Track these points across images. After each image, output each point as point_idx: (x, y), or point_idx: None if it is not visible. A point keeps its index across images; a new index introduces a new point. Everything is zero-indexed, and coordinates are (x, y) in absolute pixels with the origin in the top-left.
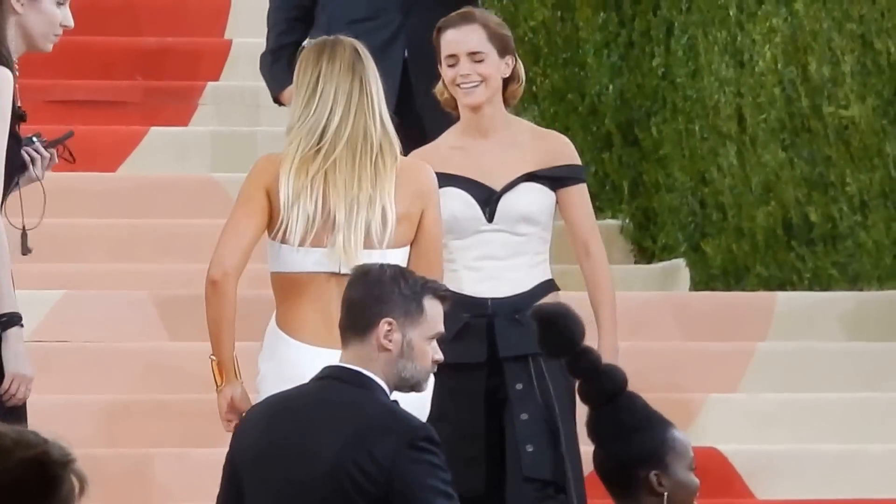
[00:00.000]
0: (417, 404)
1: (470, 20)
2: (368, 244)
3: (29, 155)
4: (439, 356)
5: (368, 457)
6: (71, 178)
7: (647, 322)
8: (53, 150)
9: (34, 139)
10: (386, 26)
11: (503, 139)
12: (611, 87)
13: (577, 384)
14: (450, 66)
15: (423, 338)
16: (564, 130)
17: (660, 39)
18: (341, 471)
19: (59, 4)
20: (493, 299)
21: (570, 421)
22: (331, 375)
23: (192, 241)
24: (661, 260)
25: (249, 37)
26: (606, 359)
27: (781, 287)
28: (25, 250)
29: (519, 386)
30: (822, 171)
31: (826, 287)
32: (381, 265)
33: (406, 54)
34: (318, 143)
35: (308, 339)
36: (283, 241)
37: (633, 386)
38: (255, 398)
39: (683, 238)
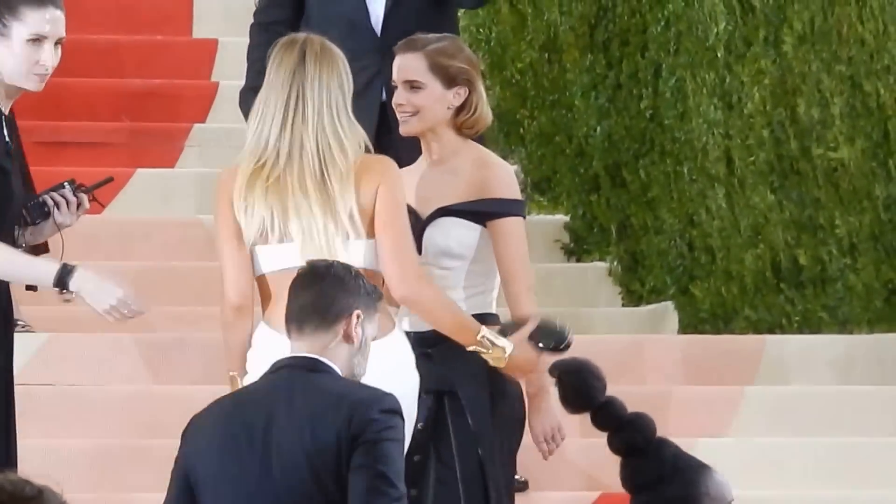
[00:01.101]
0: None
1: (412, 48)
2: (333, 236)
3: (53, 200)
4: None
5: (349, 422)
6: None
7: (634, 365)
8: (84, 196)
9: (65, 185)
10: (365, 69)
11: (446, 168)
12: (598, 129)
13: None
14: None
15: (372, 338)
16: (552, 173)
17: (648, 81)
18: (321, 444)
19: (34, 42)
20: (413, 333)
21: (499, 459)
22: (291, 365)
23: (177, 284)
24: (649, 303)
25: (236, 79)
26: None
27: (770, 330)
28: (30, 286)
29: (419, 425)
30: (812, 213)
31: (816, 330)
32: (332, 263)
33: (384, 96)
34: (260, 158)
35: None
36: (252, 242)
37: None
38: None
39: (671, 281)
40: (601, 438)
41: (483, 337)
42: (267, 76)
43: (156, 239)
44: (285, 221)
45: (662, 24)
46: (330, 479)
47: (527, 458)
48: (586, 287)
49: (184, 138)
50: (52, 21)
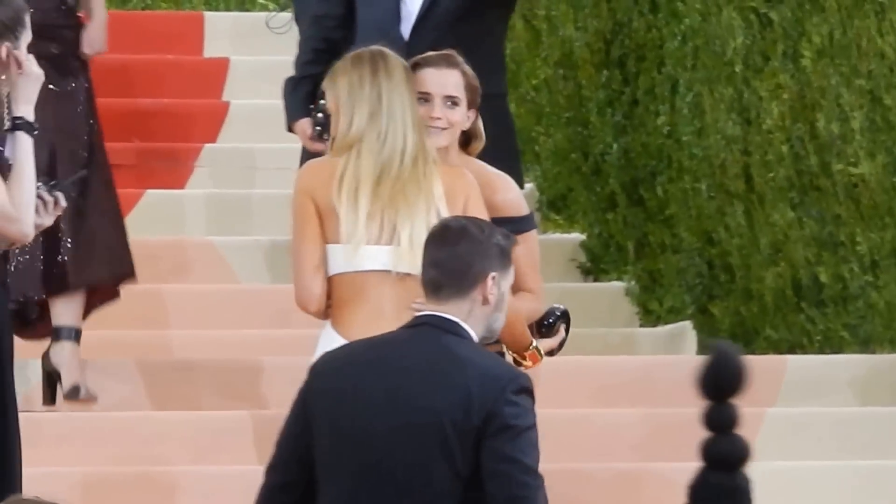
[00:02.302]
0: None
1: (453, 65)
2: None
3: None
4: None
5: (470, 401)
6: None
7: (653, 387)
8: (60, 194)
9: (39, 185)
10: None
11: None
12: (615, 146)
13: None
14: (421, 101)
15: (508, 287)
16: (568, 191)
17: (664, 97)
18: (443, 417)
19: None
20: None
21: None
22: (432, 324)
23: (187, 306)
24: (667, 323)
25: (248, 98)
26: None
27: (791, 350)
28: None
29: None
30: (832, 230)
31: (837, 349)
32: (464, 223)
33: None
34: (380, 155)
35: (357, 336)
36: (338, 241)
37: (637, 453)
38: None
39: (690, 300)
40: None
41: (534, 348)
42: (371, 82)
43: (165, 261)
44: (389, 223)
45: (679, 39)
46: (455, 446)
47: None
48: (603, 307)
49: (194, 159)
50: None
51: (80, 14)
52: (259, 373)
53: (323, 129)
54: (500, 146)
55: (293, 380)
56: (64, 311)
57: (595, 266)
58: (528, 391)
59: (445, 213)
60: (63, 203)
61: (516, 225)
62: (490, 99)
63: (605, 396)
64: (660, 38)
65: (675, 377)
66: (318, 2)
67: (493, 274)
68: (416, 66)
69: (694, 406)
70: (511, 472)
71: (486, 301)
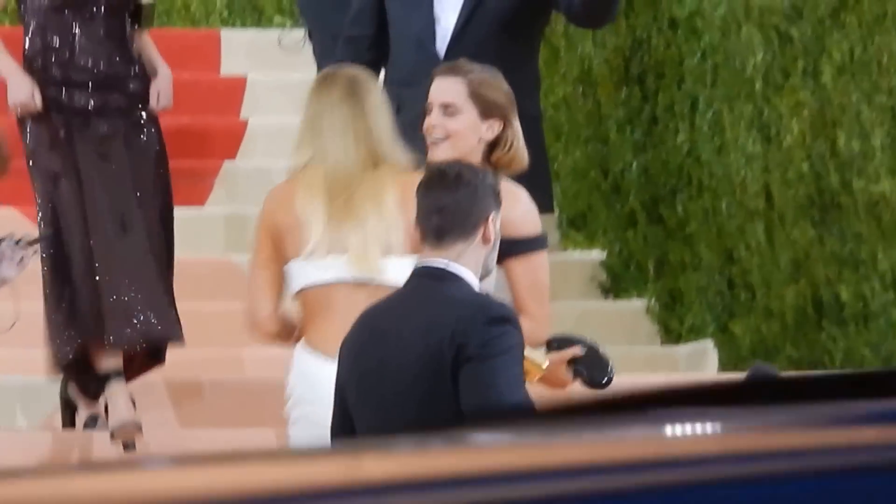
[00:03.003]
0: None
1: (455, 73)
2: (385, 252)
3: None
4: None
5: (452, 332)
6: None
7: None
8: (25, 251)
9: (3, 240)
10: (423, 92)
11: None
12: (634, 163)
13: None
14: (427, 112)
15: (497, 225)
16: (587, 209)
17: (684, 114)
18: (432, 348)
19: None
20: None
21: None
22: (422, 274)
23: (207, 325)
24: (687, 341)
25: (266, 116)
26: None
27: (812, 368)
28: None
29: None
30: (853, 248)
31: (858, 368)
32: (458, 169)
33: None
34: (327, 171)
35: (331, 350)
36: (300, 256)
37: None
38: (289, 426)
39: (711, 318)
40: None
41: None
42: (314, 103)
43: (185, 279)
44: (341, 234)
45: (699, 55)
46: (445, 384)
47: None
48: (624, 325)
49: (213, 176)
50: None
51: (141, 62)
52: (282, 391)
53: None
54: (535, 169)
55: None
56: (104, 358)
57: (615, 284)
58: (500, 320)
59: (400, 221)
60: (28, 261)
61: (517, 246)
62: (526, 121)
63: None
64: (679, 55)
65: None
66: (349, 23)
67: (491, 214)
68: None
69: None
70: (480, 405)
71: (486, 240)
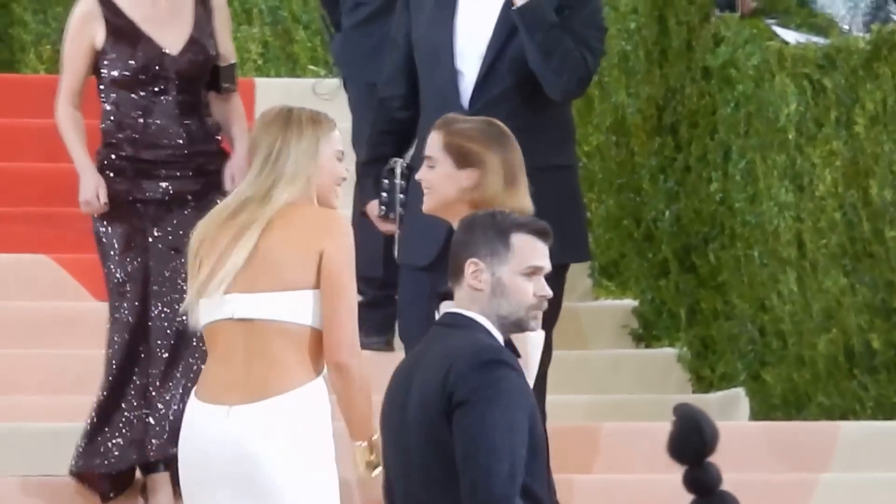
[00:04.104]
0: None
1: (437, 126)
2: (257, 288)
3: None
4: (544, 291)
5: (444, 380)
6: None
7: None
8: None
9: None
10: None
11: None
12: (667, 212)
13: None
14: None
15: (514, 273)
16: (620, 257)
17: (717, 164)
18: (428, 398)
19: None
20: None
21: None
22: (439, 322)
23: None
24: (719, 389)
25: None
26: None
27: (844, 416)
28: None
29: None
30: (885, 296)
31: (890, 416)
32: (473, 215)
33: None
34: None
35: (204, 395)
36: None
37: None
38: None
39: (742, 367)
40: None
41: (376, 439)
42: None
43: None
44: (225, 268)
45: (732, 105)
46: (443, 436)
47: None
48: (656, 373)
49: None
50: None
51: (218, 137)
52: None
53: (388, 208)
54: (569, 220)
55: None
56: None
57: (647, 332)
58: (491, 363)
59: (287, 256)
60: None
61: None
62: (556, 171)
63: (657, 462)
64: (712, 105)
65: (727, 443)
66: (383, 85)
67: (471, 260)
68: None
69: (748, 472)
70: (466, 455)
71: (473, 288)
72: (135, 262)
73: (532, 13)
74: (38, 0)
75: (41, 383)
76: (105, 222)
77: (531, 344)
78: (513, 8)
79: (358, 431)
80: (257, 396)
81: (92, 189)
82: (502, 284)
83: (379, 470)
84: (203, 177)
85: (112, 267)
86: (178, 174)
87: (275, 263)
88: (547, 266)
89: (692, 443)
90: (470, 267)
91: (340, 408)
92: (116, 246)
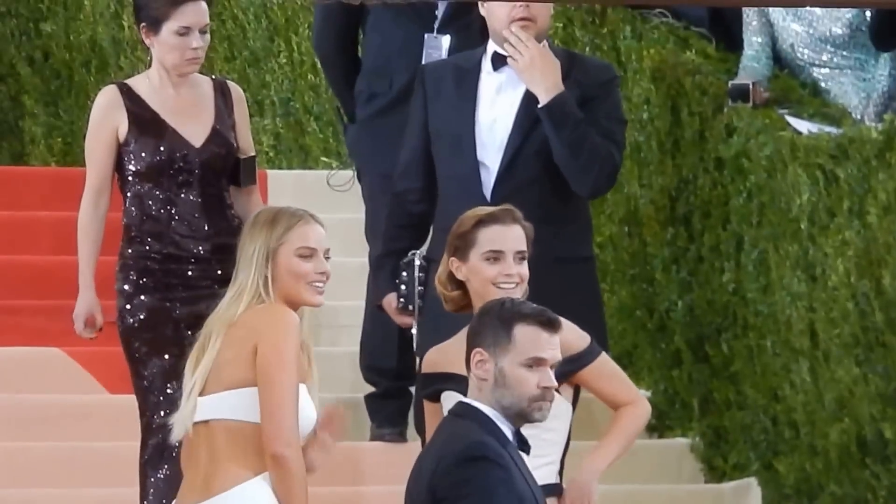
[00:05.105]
0: None
1: (517, 219)
2: (208, 392)
3: None
4: (547, 382)
5: (431, 474)
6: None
7: None
8: None
9: None
10: None
11: None
12: (680, 303)
13: None
14: (490, 260)
15: (515, 364)
16: (633, 348)
17: (730, 254)
18: (420, 492)
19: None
20: None
21: None
22: (450, 412)
23: None
24: (731, 479)
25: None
26: (585, 475)
27: None
28: None
29: None
30: None
31: None
32: (498, 300)
33: None
34: None
35: (177, 499)
36: None
37: None
38: None
39: (755, 456)
40: None
41: None
42: None
43: None
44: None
45: (745, 195)
46: None
47: None
48: (669, 463)
49: None
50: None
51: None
52: None
53: (406, 301)
54: (589, 312)
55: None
56: None
57: (660, 423)
58: (471, 459)
59: (217, 363)
60: None
61: (579, 362)
62: (577, 262)
63: None
64: (725, 195)
65: None
66: (398, 178)
67: (476, 350)
68: (479, 224)
69: None
70: None
71: (478, 378)
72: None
73: (560, 110)
74: (49, 93)
75: (54, 476)
76: (144, 350)
77: (558, 420)
78: (539, 106)
79: None
80: (200, 497)
81: (84, 310)
82: (504, 375)
83: None
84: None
85: (150, 397)
86: (207, 283)
87: (221, 365)
88: (551, 358)
89: None
90: (476, 356)
91: (279, 499)
92: (157, 381)
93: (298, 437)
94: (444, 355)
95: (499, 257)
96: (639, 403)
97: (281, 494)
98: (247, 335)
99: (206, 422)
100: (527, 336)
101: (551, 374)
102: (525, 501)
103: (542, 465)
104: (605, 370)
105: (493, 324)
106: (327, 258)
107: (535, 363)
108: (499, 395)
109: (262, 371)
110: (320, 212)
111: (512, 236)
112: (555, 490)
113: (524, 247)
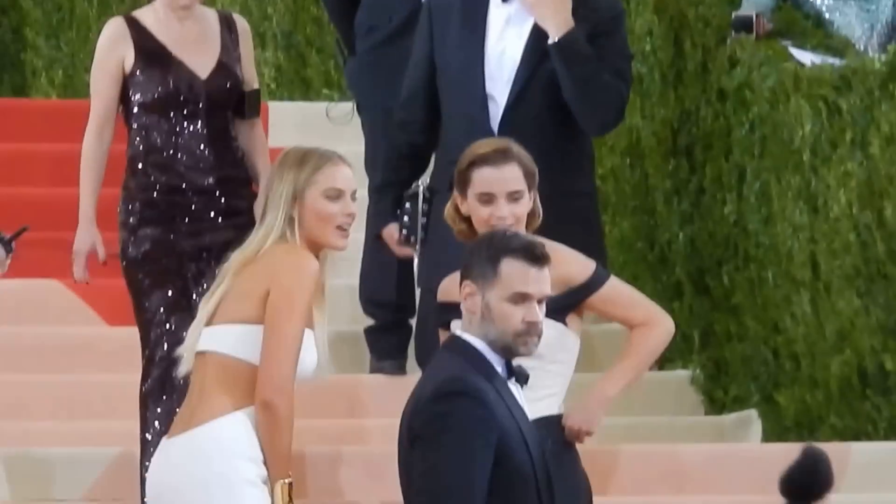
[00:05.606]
0: None
1: (512, 158)
2: (212, 323)
3: None
4: (532, 318)
5: (410, 411)
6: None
7: (717, 476)
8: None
9: None
10: None
11: None
12: (681, 234)
13: None
14: (483, 202)
15: (500, 299)
16: (633, 280)
17: (732, 185)
18: (401, 431)
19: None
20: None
21: None
22: (443, 345)
23: None
24: (732, 411)
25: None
26: (592, 402)
27: (856, 438)
28: None
29: None
30: None
31: None
32: (488, 233)
33: None
34: None
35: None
36: None
37: None
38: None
39: (755, 389)
40: None
41: (290, 485)
42: None
43: None
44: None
45: (747, 127)
46: (409, 466)
47: None
48: (668, 396)
49: None
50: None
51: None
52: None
53: (409, 232)
54: (590, 246)
55: (369, 469)
56: None
57: (661, 355)
58: (446, 395)
59: (225, 298)
60: (3, 255)
61: (584, 291)
62: (579, 197)
63: (671, 484)
64: (727, 127)
65: (740, 465)
66: (401, 107)
67: (465, 283)
68: (471, 166)
69: (760, 494)
70: (418, 490)
71: (468, 311)
72: (175, 301)
73: (570, 47)
74: (51, 25)
75: (53, 409)
76: (147, 282)
77: (564, 352)
78: (550, 42)
79: (274, 471)
80: (181, 429)
81: (86, 243)
82: (490, 309)
83: None
84: (235, 217)
85: (153, 330)
86: (210, 215)
87: (230, 299)
88: (538, 293)
89: (808, 481)
90: (465, 289)
91: (262, 444)
92: (160, 314)
93: (292, 387)
94: (457, 284)
95: (491, 199)
96: (654, 323)
97: (264, 441)
98: (262, 274)
99: (203, 353)
100: (513, 271)
101: (537, 309)
102: (509, 437)
103: (544, 397)
104: (615, 296)
105: (481, 257)
106: (354, 199)
107: (521, 298)
108: (485, 329)
109: (269, 316)
110: (320, 144)
111: (504, 178)
112: (556, 422)
113: (518, 186)
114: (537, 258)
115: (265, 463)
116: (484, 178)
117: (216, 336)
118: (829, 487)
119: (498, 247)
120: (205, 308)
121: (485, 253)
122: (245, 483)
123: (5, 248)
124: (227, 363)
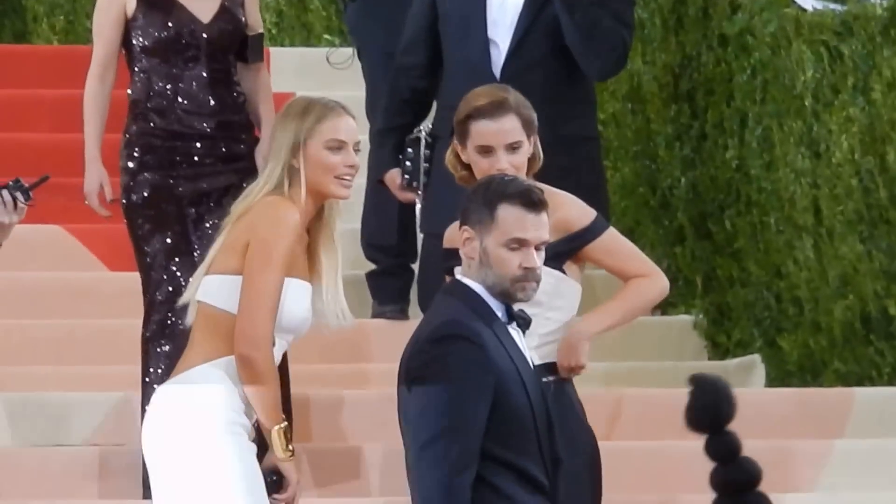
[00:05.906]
0: None
1: (509, 108)
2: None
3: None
4: (530, 263)
5: (408, 354)
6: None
7: None
8: (20, 195)
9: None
10: None
11: None
12: (683, 179)
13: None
14: (481, 154)
15: (497, 244)
16: (635, 225)
17: (733, 131)
18: (400, 370)
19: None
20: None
21: None
22: (443, 289)
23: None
24: (735, 356)
25: None
26: (573, 337)
27: (860, 383)
28: None
29: None
30: None
31: None
32: (487, 178)
33: None
34: None
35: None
36: None
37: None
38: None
39: (758, 334)
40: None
41: (285, 429)
42: None
43: None
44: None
45: (748, 72)
46: (407, 407)
47: None
48: (672, 341)
49: None
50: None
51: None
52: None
53: (411, 177)
54: (593, 190)
55: (371, 412)
56: None
57: (663, 300)
58: (441, 339)
59: (223, 247)
60: (23, 204)
61: (582, 238)
62: (582, 142)
63: (674, 428)
64: (729, 72)
65: (743, 410)
66: (402, 52)
67: (463, 228)
68: (469, 119)
69: (763, 438)
70: (406, 444)
71: (467, 256)
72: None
73: None
74: None
75: (54, 353)
76: (147, 227)
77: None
78: None
79: (265, 420)
80: (170, 376)
81: (95, 182)
82: (487, 254)
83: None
84: (235, 161)
85: (153, 274)
86: (211, 160)
87: (220, 250)
88: (535, 238)
89: (711, 411)
90: (463, 234)
91: (248, 395)
92: (160, 258)
93: (268, 340)
94: None
95: (489, 151)
96: (650, 276)
97: (248, 393)
98: (245, 225)
99: (199, 303)
100: (510, 216)
101: (535, 254)
102: (507, 381)
103: (545, 343)
104: (613, 246)
105: (479, 203)
106: (357, 150)
107: (518, 244)
108: (484, 275)
109: (246, 268)
110: (321, 89)
111: (502, 130)
112: (556, 368)
113: (517, 137)
114: (534, 204)
115: (247, 413)
116: (481, 131)
117: (206, 286)
118: (734, 407)
119: (495, 192)
120: (206, 258)
121: (482, 198)
122: (222, 431)
123: (24, 196)
124: (212, 313)
